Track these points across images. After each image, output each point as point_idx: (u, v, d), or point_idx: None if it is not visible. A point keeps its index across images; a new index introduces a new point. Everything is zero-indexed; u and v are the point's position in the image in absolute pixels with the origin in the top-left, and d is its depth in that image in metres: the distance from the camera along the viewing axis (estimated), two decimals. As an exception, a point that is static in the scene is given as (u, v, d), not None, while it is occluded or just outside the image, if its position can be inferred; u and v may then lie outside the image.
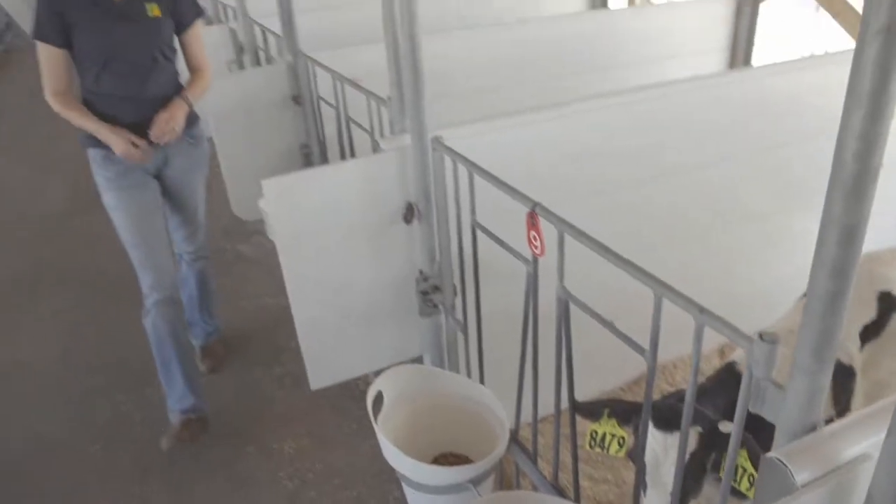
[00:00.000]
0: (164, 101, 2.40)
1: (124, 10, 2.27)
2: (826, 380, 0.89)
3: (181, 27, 2.45)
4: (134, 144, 2.32)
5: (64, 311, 3.64)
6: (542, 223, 1.47)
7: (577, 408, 1.49)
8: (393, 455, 1.75)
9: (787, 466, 0.85)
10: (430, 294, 2.15)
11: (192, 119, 2.53)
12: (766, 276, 2.81)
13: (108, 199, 2.43)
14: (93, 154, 2.41)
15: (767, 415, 0.97)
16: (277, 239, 1.98)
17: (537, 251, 1.49)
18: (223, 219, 3.99)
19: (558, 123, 2.19)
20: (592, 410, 1.44)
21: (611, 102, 2.32)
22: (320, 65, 2.94)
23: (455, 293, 2.12)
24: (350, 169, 2.09)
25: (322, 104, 3.10)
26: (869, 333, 1.72)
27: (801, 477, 0.84)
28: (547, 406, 1.66)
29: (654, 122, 2.39)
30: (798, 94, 2.62)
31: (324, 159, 3.32)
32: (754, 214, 2.70)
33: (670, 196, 2.49)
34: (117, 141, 2.30)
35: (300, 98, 3.29)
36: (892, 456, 0.76)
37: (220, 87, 3.23)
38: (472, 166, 1.74)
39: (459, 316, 2.10)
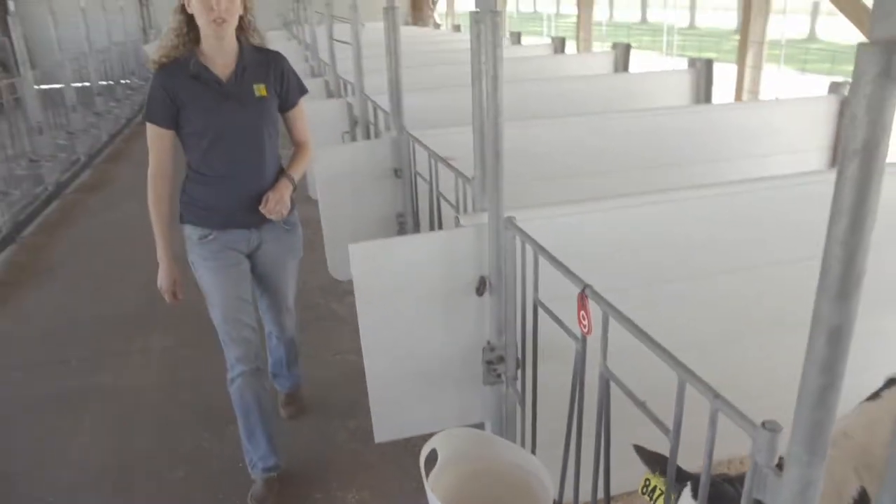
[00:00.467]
0: (267, 182, 2.44)
1: (232, 90, 2.34)
2: (819, 472, 0.93)
3: (287, 106, 2.51)
4: (174, 295, 2.52)
5: (168, 348, 3.99)
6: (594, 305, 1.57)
7: (639, 450, 1.52)
8: (439, 512, 1.84)
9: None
10: (494, 364, 2.26)
11: (291, 205, 2.54)
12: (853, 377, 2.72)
13: (201, 276, 2.49)
14: (189, 232, 2.48)
15: (770, 502, 1.01)
16: (358, 297, 2.17)
17: (585, 330, 1.58)
18: (321, 278, 4.27)
19: (623, 213, 2.29)
20: (651, 460, 1.48)
21: (690, 195, 2.41)
22: (419, 142, 3.19)
23: (518, 365, 2.22)
24: (431, 240, 2.28)
25: (418, 178, 3.34)
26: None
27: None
28: (588, 484, 1.71)
29: (746, 216, 2.44)
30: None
31: (416, 229, 3.54)
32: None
33: (758, 288, 2.47)
34: (164, 278, 2.49)
35: (400, 171, 3.56)
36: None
37: (332, 155, 3.56)
38: (537, 246, 1.87)
39: (519, 387, 2.19)
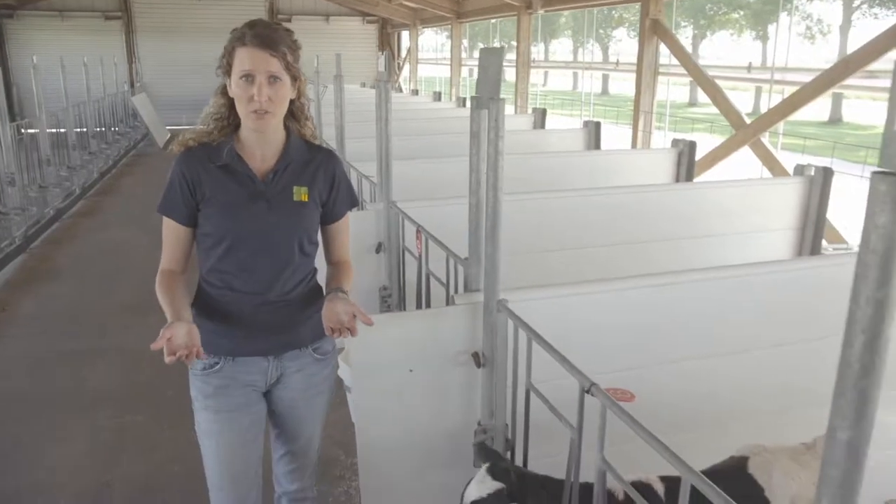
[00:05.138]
0: (291, 306, 1.96)
1: (267, 189, 1.89)
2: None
3: (330, 218, 2.02)
4: (194, 353, 1.73)
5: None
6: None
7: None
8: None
9: None
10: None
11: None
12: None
13: (201, 420, 2.00)
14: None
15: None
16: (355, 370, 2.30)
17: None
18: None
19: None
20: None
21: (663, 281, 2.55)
22: (404, 213, 3.65)
23: (508, 447, 2.28)
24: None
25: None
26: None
27: None
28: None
29: (714, 300, 2.57)
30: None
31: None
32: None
33: (731, 371, 2.58)
34: (175, 332, 1.72)
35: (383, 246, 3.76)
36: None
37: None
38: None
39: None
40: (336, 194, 2.00)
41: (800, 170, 4.46)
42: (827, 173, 4.31)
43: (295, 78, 1.85)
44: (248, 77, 1.77)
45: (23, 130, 8.43)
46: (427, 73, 20.06)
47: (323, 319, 1.83)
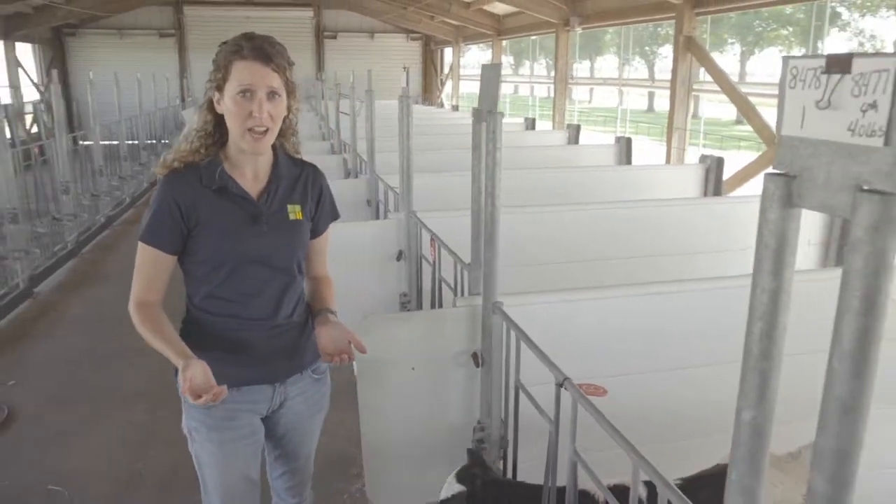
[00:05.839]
0: (295, 329, 1.92)
1: (264, 210, 1.82)
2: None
3: (315, 233, 1.97)
4: (220, 393, 1.62)
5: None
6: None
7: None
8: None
9: None
10: (484, 443, 2.39)
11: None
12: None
13: (201, 451, 1.91)
14: None
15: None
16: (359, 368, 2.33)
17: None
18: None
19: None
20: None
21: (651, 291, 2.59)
22: (421, 223, 3.67)
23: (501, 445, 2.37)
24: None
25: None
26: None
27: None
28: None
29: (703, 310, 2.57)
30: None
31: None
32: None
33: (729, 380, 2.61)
34: (197, 373, 1.61)
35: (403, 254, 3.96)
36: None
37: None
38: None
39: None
40: (322, 209, 1.96)
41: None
42: (850, 187, 4.22)
43: (290, 94, 1.78)
44: (248, 93, 1.68)
45: (79, 142, 8.94)
46: (471, 89, 20.29)
47: (319, 345, 1.81)
